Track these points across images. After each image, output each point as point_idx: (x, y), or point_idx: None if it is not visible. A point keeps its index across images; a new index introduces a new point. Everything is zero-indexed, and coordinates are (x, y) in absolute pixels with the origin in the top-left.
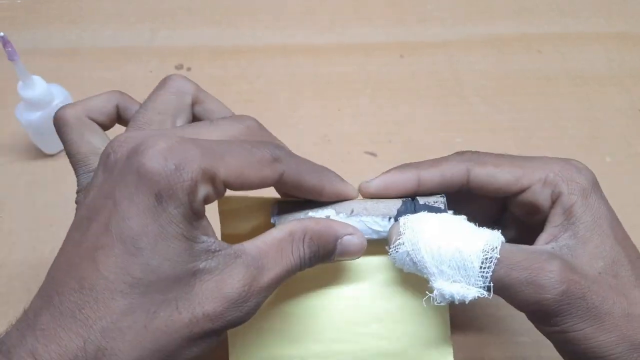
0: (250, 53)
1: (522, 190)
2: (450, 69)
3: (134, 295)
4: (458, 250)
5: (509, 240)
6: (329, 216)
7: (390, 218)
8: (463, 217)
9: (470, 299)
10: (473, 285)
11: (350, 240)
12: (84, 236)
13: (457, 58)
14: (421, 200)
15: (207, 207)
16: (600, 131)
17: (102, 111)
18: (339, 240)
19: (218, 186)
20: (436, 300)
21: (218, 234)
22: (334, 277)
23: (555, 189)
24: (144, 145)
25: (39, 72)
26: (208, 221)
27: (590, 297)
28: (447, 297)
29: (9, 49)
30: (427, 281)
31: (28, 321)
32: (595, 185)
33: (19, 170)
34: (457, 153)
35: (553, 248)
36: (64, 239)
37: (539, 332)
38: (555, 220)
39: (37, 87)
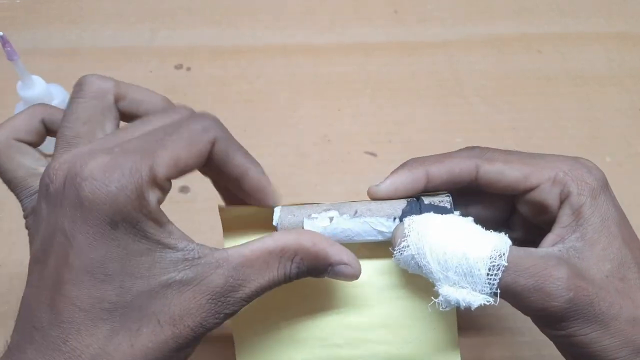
0: (250, 53)
1: (531, 189)
2: (450, 69)
3: (114, 319)
4: (464, 256)
5: (515, 241)
6: (332, 217)
7: (395, 218)
8: (470, 219)
9: (476, 305)
10: (479, 292)
11: (343, 271)
12: (46, 271)
13: (457, 58)
14: (426, 200)
15: (206, 211)
16: (600, 131)
17: (27, 130)
18: (331, 267)
19: (163, 185)
20: (441, 305)
21: (220, 240)
22: (340, 282)
23: (564, 188)
24: (78, 169)
25: (38, 72)
26: (173, 224)
27: (598, 303)
28: (452, 302)
29: (9, 49)
30: (432, 284)
31: (13, 357)
32: (604, 185)
33: None
34: (467, 148)
35: (560, 250)
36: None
37: (540, 332)
38: (563, 220)
39: (37, 87)
